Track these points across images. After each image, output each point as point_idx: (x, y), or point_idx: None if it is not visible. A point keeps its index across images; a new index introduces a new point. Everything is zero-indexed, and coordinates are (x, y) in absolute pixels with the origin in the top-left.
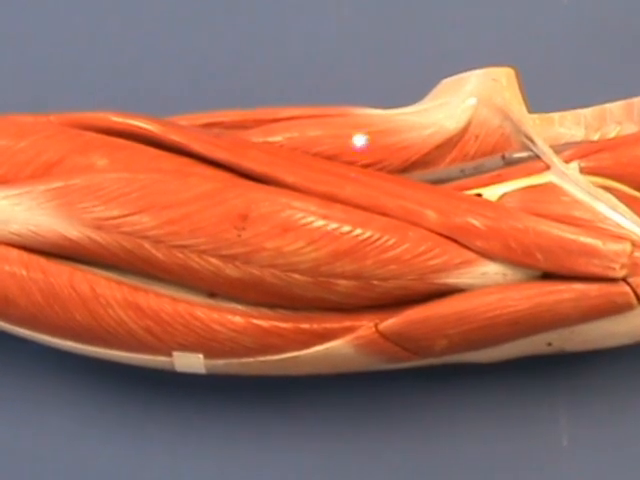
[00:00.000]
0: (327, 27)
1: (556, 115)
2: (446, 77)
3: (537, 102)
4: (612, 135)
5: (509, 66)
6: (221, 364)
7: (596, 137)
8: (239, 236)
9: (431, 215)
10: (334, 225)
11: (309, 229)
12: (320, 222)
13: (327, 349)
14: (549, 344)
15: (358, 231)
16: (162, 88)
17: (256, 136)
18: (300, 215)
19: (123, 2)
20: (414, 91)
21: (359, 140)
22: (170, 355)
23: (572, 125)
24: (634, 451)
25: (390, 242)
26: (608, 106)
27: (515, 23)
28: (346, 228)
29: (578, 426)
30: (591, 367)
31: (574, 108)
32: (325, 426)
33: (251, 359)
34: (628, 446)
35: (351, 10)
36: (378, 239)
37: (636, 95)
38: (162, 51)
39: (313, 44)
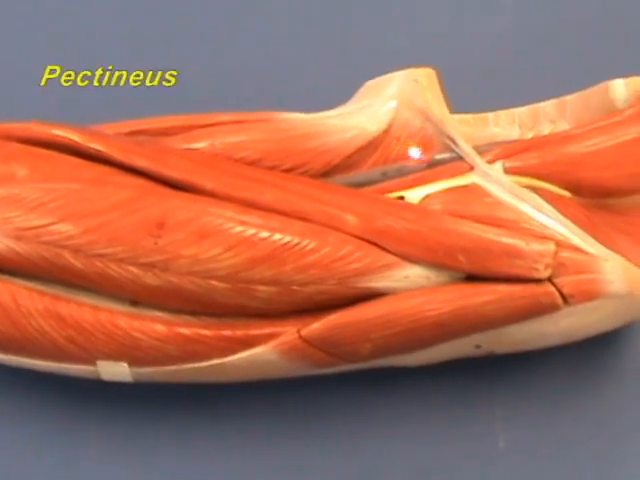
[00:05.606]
0: (252, 32)
1: (490, 115)
2: (370, 79)
3: (471, 102)
4: (546, 134)
5: (429, 66)
6: (147, 372)
7: (530, 136)
8: (156, 244)
9: (351, 219)
10: (251, 231)
11: (226, 235)
12: (237, 228)
13: (250, 356)
14: (478, 346)
15: (276, 236)
16: (89, 96)
17: (179, 143)
18: (217, 221)
19: (50, 11)
20: (339, 94)
21: (415, 152)
22: (94, 364)
23: (506, 124)
24: (570, 452)
25: (309, 247)
26: (541, 105)
27: (447, 23)
28: (264, 234)
29: (514, 428)
30: (526, 368)
31: (508, 107)
32: (255, 432)
33: (176, 367)
34: (564, 447)
35: (274, 15)
36: (297, 244)
37: (568, 93)
38: (88, 59)
39: (238, 48)
